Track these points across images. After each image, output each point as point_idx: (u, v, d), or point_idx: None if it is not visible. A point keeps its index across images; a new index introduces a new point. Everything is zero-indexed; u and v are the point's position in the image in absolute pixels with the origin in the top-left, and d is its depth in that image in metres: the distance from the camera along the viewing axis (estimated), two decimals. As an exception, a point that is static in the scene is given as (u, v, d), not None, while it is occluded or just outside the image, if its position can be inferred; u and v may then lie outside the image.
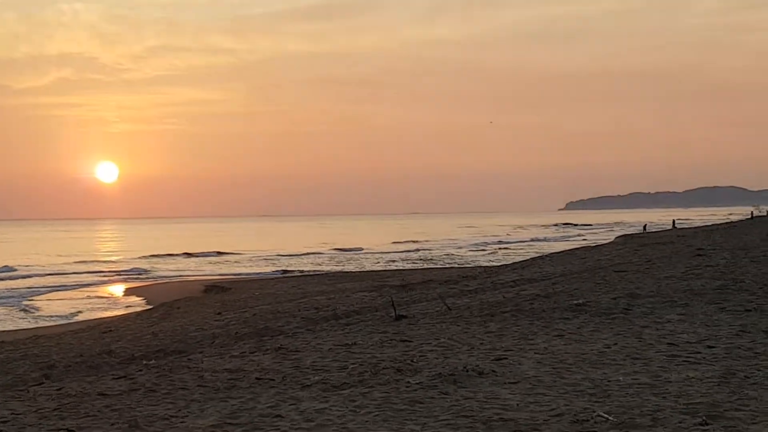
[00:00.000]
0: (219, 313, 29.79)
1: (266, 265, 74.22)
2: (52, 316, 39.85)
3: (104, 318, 37.22)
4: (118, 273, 69.47)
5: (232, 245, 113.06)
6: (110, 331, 28.34)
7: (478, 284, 30.48)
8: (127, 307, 43.64)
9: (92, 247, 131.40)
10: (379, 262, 74.86)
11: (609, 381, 12.07)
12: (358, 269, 64.03)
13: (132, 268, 73.46)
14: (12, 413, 11.22)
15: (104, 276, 66.93)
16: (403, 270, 57.22)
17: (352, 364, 14.10)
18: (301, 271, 63.29)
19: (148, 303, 43.54)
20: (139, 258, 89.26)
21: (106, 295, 50.52)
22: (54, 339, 27.33)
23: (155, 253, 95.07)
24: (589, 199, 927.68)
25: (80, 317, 39.26)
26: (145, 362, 16.80)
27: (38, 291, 53.42)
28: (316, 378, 13.14)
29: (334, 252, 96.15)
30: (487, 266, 53.22)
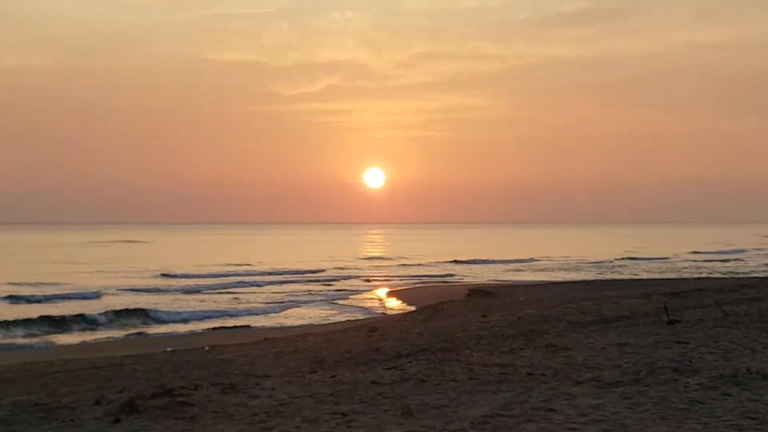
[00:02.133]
0: (484, 316, 29.71)
1: (529, 273, 73.81)
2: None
3: (370, 319, 37.93)
4: (384, 278, 70.76)
5: (493, 252, 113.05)
6: (376, 330, 28.78)
7: (756, 293, 29.11)
8: (389, 306, 44.51)
9: (364, 250, 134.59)
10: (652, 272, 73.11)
11: None
12: (623, 277, 62.64)
13: (399, 265, 75.19)
14: (290, 396, 11.46)
15: (369, 280, 68.29)
16: (673, 279, 55.49)
17: (626, 362, 13.65)
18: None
19: (411, 305, 44.08)
20: (410, 263, 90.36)
21: (372, 297, 51.46)
22: (322, 336, 28.03)
23: (425, 260, 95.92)
24: None
25: (340, 317, 40.20)
26: (412, 358, 16.85)
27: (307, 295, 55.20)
28: (589, 375, 12.78)
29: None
30: (764, 276, 51.00)
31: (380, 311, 42.64)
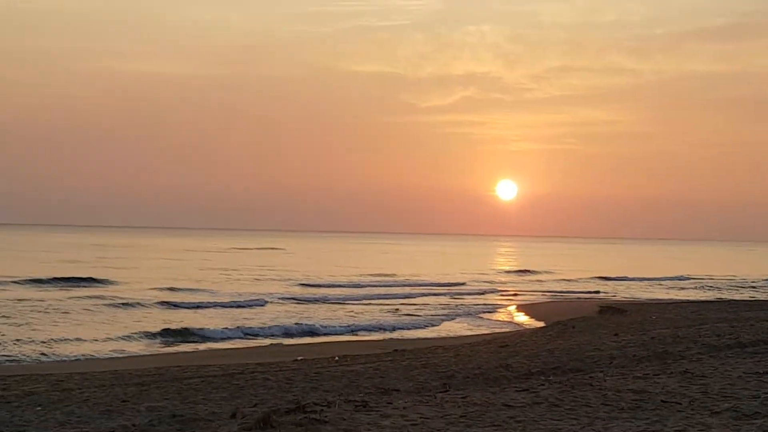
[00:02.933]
0: (615, 334, 29.30)
1: (659, 290, 72.45)
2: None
3: (500, 333, 37.79)
4: (523, 292, 70.22)
5: (635, 268, 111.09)
6: (506, 346, 28.66)
7: None
8: (519, 321, 44.26)
9: (503, 263, 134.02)
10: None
11: None
12: (762, 297, 60.95)
13: (529, 281, 74.60)
14: (421, 417, 11.51)
15: (503, 294, 67.94)
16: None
17: (765, 393, 13.31)
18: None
19: (540, 320, 43.76)
20: (551, 279, 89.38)
21: (503, 311, 51.20)
22: (452, 350, 28.02)
23: (567, 275, 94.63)
24: None
25: (478, 331, 40.13)
26: (543, 378, 16.76)
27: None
28: (726, 405, 12.51)
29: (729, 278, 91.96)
30: None
31: (512, 325, 42.45)
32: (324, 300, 54.09)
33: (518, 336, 33.91)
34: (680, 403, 12.68)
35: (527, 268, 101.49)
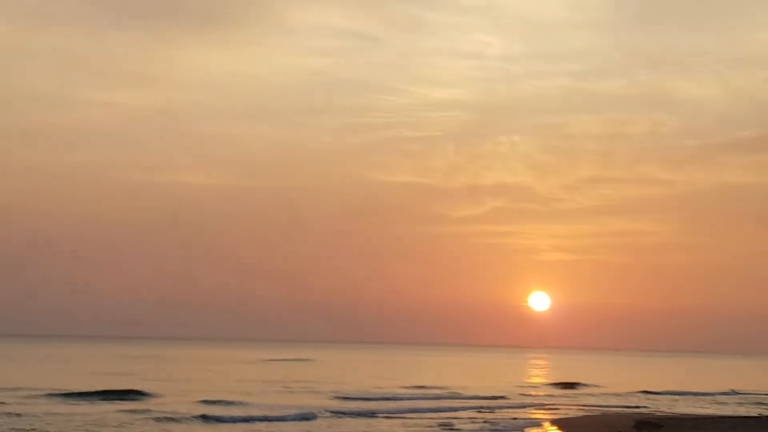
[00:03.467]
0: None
1: (698, 405, 71.85)
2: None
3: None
4: (570, 407, 69.68)
5: (679, 382, 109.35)
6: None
7: None
8: None
9: (534, 374, 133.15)
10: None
11: None
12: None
13: (563, 395, 74.15)
14: None
15: (547, 408, 67.34)
16: None
17: None
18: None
19: None
20: (594, 393, 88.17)
21: (540, 427, 50.91)
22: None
23: (609, 389, 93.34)
24: None
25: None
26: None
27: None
28: None
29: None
30: None
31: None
32: (371, 414, 53.36)
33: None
34: None
35: (568, 381, 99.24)
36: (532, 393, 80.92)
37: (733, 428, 41.30)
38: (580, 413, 58.66)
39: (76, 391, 61.14)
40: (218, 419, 47.17)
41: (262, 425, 45.82)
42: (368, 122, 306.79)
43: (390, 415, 53.44)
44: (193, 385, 76.53)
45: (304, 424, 46.50)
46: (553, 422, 51.88)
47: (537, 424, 50.44)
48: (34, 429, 39.55)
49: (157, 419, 45.66)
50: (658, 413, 57.90)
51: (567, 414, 57.44)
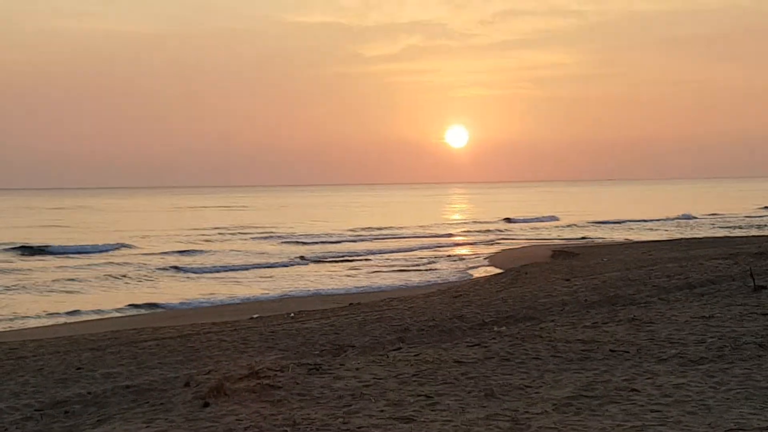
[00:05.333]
0: (567, 280, 29.61)
1: (610, 230, 73.16)
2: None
3: (454, 282, 38.06)
4: (471, 235, 70.94)
5: (578, 211, 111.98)
6: (460, 295, 28.90)
7: None
8: (473, 270, 44.47)
9: (447, 210, 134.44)
10: (735, 228, 71.85)
11: None
12: (710, 235, 61.53)
13: (485, 230, 75.42)
14: (374, 377, 11.63)
15: (457, 239, 68.40)
16: (759, 237, 54.30)
17: (710, 338, 13.58)
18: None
19: (495, 268, 44.05)
20: (495, 221, 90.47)
21: (457, 259, 51.50)
22: (407, 302, 28.24)
23: (512, 216, 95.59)
24: None
25: (429, 278, 40.48)
26: (496, 329, 16.95)
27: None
28: (673, 351, 12.75)
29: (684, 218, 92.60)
30: None
31: (467, 274, 42.72)
32: (327, 258, 53.16)
33: (472, 285, 34.16)
34: (628, 352, 12.90)
35: (492, 219, 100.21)
36: (480, 229, 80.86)
37: (647, 252, 41.89)
38: (505, 247, 59.68)
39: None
40: (189, 271, 46.30)
41: (266, 270, 45.78)
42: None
43: (367, 257, 53.71)
44: (157, 235, 74.88)
45: (302, 269, 46.81)
46: (478, 255, 52.68)
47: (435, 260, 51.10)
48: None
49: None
50: (574, 244, 58.79)
51: (486, 250, 58.29)
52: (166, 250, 58.12)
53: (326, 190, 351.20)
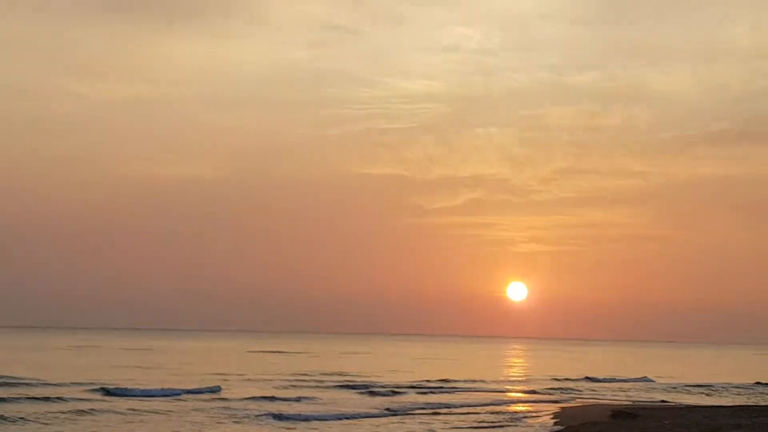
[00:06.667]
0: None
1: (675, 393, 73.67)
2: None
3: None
4: (529, 392, 71.01)
5: (652, 371, 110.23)
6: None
7: None
8: (529, 427, 44.44)
9: (507, 364, 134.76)
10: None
11: None
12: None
13: (543, 389, 74.60)
14: None
15: (513, 395, 68.60)
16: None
17: None
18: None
19: (554, 425, 43.95)
20: (550, 379, 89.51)
21: (510, 415, 50.67)
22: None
23: (566, 376, 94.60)
24: None
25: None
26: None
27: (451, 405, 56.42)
28: None
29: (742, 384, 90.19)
30: None
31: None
32: (414, 411, 52.63)
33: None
34: None
35: (589, 375, 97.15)
36: (562, 387, 79.14)
37: (709, 417, 41.91)
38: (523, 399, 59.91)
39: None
40: (287, 418, 46.90)
41: (352, 422, 46.47)
42: (347, 114, 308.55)
43: (452, 410, 53.48)
44: (247, 379, 75.05)
45: (383, 420, 47.18)
46: (536, 411, 52.90)
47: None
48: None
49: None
50: (633, 403, 58.89)
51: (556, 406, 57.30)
52: (255, 395, 58.26)
53: (388, 338, 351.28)
